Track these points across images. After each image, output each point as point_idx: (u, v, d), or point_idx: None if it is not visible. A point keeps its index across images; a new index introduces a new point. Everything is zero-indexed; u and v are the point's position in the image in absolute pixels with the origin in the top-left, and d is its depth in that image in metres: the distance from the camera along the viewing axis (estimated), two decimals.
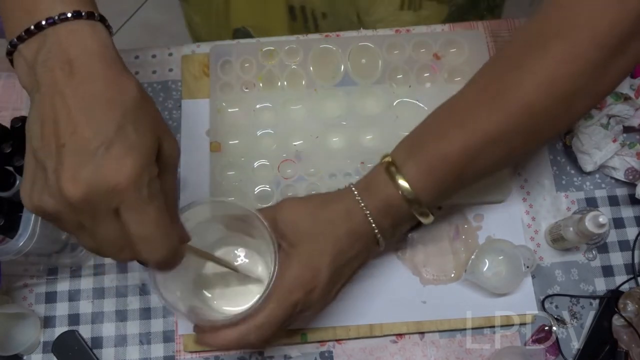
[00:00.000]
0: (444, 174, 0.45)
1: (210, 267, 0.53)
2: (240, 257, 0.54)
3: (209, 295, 0.53)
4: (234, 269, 0.51)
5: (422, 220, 0.47)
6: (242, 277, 0.52)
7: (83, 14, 0.34)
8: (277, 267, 0.45)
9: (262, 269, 0.53)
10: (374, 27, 0.70)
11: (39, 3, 0.34)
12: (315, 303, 0.46)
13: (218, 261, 0.49)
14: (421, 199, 0.45)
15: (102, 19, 0.36)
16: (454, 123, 0.46)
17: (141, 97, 0.34)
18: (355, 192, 0.47)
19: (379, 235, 0.47)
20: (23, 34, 0.34)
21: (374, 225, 0.46)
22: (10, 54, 0.36)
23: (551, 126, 0.46)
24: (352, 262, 0.48)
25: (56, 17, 0.33)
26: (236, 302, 0.51)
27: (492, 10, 0.77)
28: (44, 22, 0.34)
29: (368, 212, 0.46)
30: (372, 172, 0.49)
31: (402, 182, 0.45)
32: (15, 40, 0.35)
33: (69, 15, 0.34)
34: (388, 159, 0.47)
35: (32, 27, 0.34)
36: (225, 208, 0.51)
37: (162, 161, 0.35)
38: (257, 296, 0.45)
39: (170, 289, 0.46)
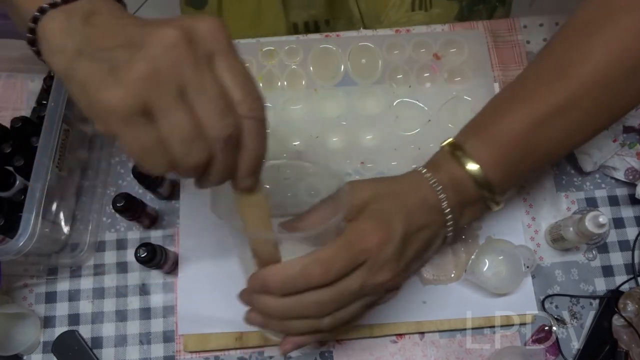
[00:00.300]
0: (512, 149, 0.44)
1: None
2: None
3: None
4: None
5: (492, 206, 0.46)
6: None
7: None
8: (344, 212, 0.41)
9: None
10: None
11: None
12: (386, 263, 0.41)
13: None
14: (490, 178, 0.44)
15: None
16: (520, 99, 0.45)
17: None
18: (420, 169, 0.46)
19: (447, 210, 0.45)
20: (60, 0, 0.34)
21: (441, 196, 0.44)
22: (35, 22, 0.35)
23: (621, 99, 0.46)
24: (422, 232, 0.45)
25: None
26: None
27: (503, 1, 0.76)
28: None
29: (435, 181, 0.45)
30: (433, 155, 0.48)
31: (467, 160, 0.44)
32: (47, 5, 0.34)
33: None
34: (450, 140, 0.47)
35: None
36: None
37: None
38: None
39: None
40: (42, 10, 0.34)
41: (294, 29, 0.73)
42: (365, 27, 0.72)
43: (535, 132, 0.44)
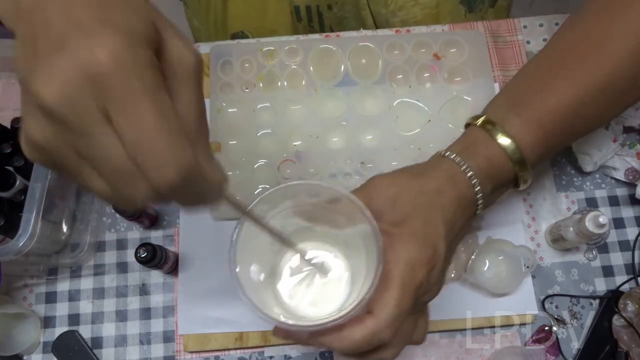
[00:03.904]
0: (554, 129, 0.43)
1: (286, 261, 0.45)
2: (317, 252, 0.44)
3: (285, 297, 0.44)
4: (291, 245, 0.41)
5: (521, 185, 0.44)
6: (323, 275, 0.44)
7: None
8: (383, 250, 0.37)
9: (345, 264, 0.45)
10: (393, 18, 0.69)
11: None
12: (434, 285, 0.40)
13: (274, 233, 0.39)
14: (525, 158, 0.43)
15: None
16: (558, 75, 0.44)
17: None
18: (453, 156, 0.43)
19: (480, 201, 0.42)
20: None
21: (477, 188, 0.42)
22: None
23: None
24: (459, 233, 0.43)
25: None
26: (319, 304, 0.43)
27: None
28: None
29: (472, 173, 0.42)
30: (464, 136, 0.45)
31: (505, 140, 0.42)
32: None
33: None
34: (483, 118, 0.44)
35: None
36: (305, 191, 0.42)
37: (170, 67, 0.27)
38: (353, 292, 0.39)
39: (253, 293, 0.38)
40: None
41: (295, 13, 0.72)
42: (371, 10, 0.71)
43: (576, 111, 0.43)
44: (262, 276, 0.43)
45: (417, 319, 0.41)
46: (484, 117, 0.44)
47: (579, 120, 0.44)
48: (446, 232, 0.40)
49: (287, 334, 0.41)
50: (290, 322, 0.37)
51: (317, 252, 0.45)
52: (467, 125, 0.46)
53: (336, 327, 0.37)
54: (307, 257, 0.43)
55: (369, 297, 0.36)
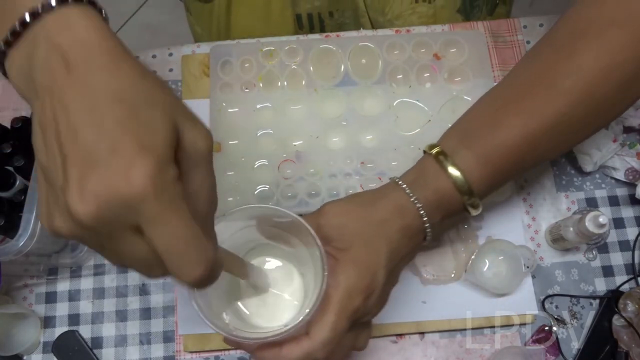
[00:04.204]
0: (502, 164, 0.44)
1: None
2: (275, 267, 0.47)
3: (243, 308, 0.46)
4: (263, 289, 0.45)
5: (472, 212, 0.46)
6: (279, 289, 0.46)
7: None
8: (327, 275, 0.40)
9: (300, 280, 0.47)
10: (390, 26, 0.70)
11: None
12: (372, 308, 0.43)
13: (249, 275, 0.42)
14: (474, 190, 0.44)
15: (92, 3, 0.30)
16: (510, 111, 0.45)
17: (147, 82, 0.29)
18: (404, 186, 0.44)
19: (428, 230, 0.45)
20: (9, 36, 0.29)
21: (425, 219, 0.44)
22: (1, 64, 0.31)
23: (609, 111, 0.46)
24: (404, 260, 0.46)
25: (39, 8, 0.28)
26: (273, 317, 0.45)
27: None
28: (27, 17, 0.28)
29: (420, 205, 0.44)
30: (418, 164, 0.47)
31: (455, 172, 0.44)
32: (3, 45, 0.30)
33: (53, 3, 0.28)
34: (437, 149, 0.45)
35: (18, 26, 0.29)
36: (262, 214, 0.45)
37: (185, 154, 0.29)
38: (303, 308, 0.42)
39: (203, 300, 0.41)
40: (2, 52, 0.30)
41: (297, 21, 0.73)
42: (370, 19, 0.71)
43: (526, 148, 0.44)
44: (221, 283, 0.44)
45: (358, 333, 0.44)
46: (438, 147, 0.45)
47: (529, 155, 0.45)
48: (387, 261, 0.43)
49: (236, 344, 0.42)
50: (234, 332, 0.39)
51: (275, 264, 0.47)
52: (425, 151, 0.47)
53: (277, 344, 0.40)
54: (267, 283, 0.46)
55: (309, 318, 0.38)
